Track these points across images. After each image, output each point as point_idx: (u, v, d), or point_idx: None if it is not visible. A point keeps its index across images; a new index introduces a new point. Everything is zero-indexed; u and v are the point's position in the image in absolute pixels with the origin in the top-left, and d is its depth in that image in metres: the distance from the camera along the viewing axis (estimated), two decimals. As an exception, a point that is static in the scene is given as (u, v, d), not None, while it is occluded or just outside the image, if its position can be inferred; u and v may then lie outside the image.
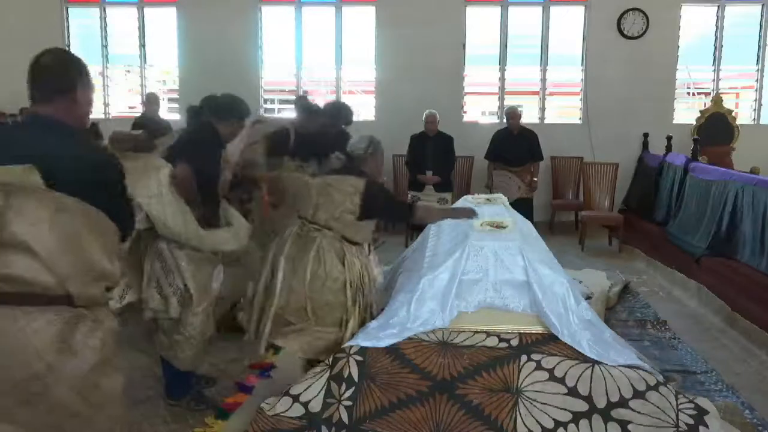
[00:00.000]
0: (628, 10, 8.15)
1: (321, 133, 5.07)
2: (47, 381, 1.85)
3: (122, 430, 2.09)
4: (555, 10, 8.35)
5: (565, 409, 2.77)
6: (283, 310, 3.25)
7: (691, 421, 2.72)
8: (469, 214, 3.62)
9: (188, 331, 3.27)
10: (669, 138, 7.60)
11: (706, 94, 8.55)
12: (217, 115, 3.42)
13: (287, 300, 3.24)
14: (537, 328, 3.04)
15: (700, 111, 8.28)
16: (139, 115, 7.68)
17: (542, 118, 8.49)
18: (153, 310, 3.25)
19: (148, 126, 5.75)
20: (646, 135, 8.06)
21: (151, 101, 7.54)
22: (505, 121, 7.54)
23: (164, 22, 8.58)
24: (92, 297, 1.95)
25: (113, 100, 8.81)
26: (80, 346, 1.90)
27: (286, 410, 2.87)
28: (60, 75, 1.99)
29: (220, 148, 3.45)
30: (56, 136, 1.96)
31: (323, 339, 3.24)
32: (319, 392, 2.90)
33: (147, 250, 3.24)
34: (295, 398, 2.89)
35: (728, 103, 8.41)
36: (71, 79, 1.99)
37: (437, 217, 3.88)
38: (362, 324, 3.23)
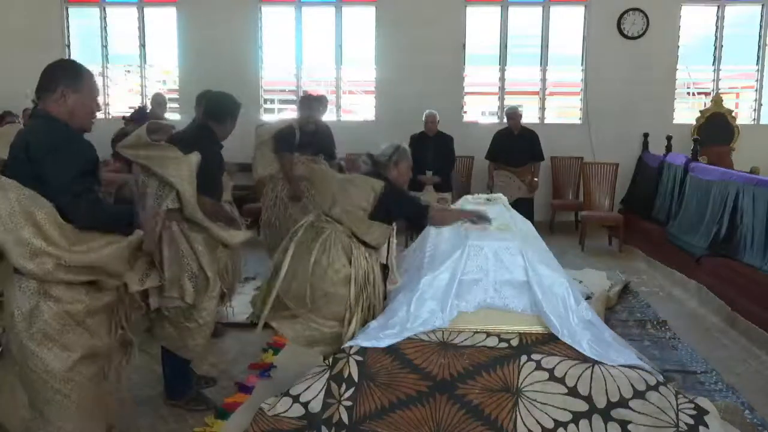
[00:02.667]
0: (628, 10, 8.14)
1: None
2: (10, 337, 2.32)
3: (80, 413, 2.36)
4: (555, 10, 8.35)
5: (565, 409, 2.77)
6: (285, 294, 3.25)
7: (691, 421, 2.72)
8: (483, 218, 3.39)
9: (203, 317, 3.23)
10: (669, 138, 7.60)
11: (706, 94, 8.54)
12: (212, 115, 3.42)
13: (290, 284, 3.24)
14: (537, 328, 3.04)
15: (700, 111, 8.28)
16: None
17: (542, 118, 8.49)
18: (166, 297, 3.14)
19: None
20: (646, 135, 8.05)
21: (157, 103, 7.38)
22: (505, 121, 7.54)
23: (164, 22, 8.57)
24: (31, 272, 2.22)
25: (113, 100, 8.79)
26: (23, 316, 2.26)
27: (286, 410, 2.87)
28: (47, 77, 2.39)
29: (218, 148, 3.44)
30: (38, 122, 2.38)
31: (318, 330, 3.22)
32: (319, 392, 2.90)
33: (162, 234, 3.11)
34: (295, 398, 2.90)
35: (728, 103, 8.41)
36: (56, 81, 2.36)
37: (452, 219, 3.54)
38: (364, 324, 3.22)
